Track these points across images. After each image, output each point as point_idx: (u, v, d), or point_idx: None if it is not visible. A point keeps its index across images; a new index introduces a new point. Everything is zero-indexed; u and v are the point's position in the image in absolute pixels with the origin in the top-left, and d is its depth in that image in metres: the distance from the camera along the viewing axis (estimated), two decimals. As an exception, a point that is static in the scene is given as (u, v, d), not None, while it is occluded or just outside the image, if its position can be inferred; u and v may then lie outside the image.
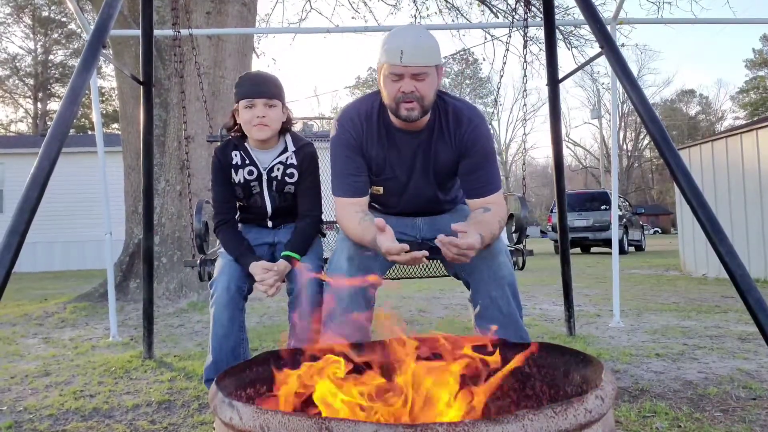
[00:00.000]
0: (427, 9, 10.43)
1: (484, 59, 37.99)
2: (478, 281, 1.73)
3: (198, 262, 2.22)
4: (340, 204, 1.81)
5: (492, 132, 2.08)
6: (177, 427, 1.99)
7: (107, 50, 5.49)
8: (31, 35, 28.94)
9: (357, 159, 1.81)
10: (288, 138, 2.08)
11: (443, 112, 1.81)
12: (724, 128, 29.11)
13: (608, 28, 2.09)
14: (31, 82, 29.89)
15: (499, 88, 3.40)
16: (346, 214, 1.77)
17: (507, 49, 2.99)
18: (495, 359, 1.18)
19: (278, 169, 2.02)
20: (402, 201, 1.94)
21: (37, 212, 1.54)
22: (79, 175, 13.69)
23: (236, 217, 2.10)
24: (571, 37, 10.07)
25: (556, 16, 3.25)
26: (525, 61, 2.84)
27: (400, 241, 1.85)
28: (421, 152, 1.83)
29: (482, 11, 10.60)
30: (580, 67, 3.31)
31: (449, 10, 10.54)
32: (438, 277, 2.45)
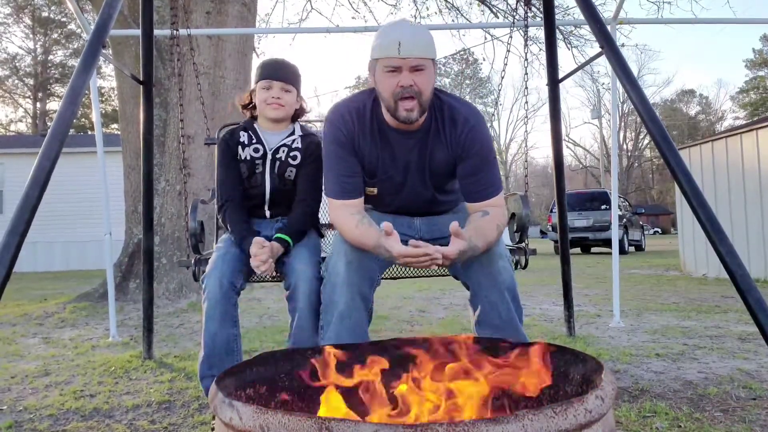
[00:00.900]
0: (427, 9, 10.44)
1: (484, 59, 38.11)
2: (477, 285, 1.70)
3: (193, 261, 2.20)
4: (335, 205, 1.74)
5: (492, 133, 2.05)
6: (177, 427, 1.99)
7: (107, 50, 5.50)
8: (31, 35, 28.94)
9: (350, 159, 1.74)
10: (297, 126, 2.16)
11: (439, 112, 1.75)
12: (724, 128, 29.12)
13: (608, 28, 2.10)
14: (31, 82, 29.89)
15: (500, 89, 3.40)
16: (342, 217, 1.70)
17: (508, 50, 2.99)
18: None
19: (283, 151, 2.07)
20: (397, 201, 1.89)
21: (37, 212, 1.54)
22: (79, 175, 13.68)
23: (241, 200, 2.08)
24: (571, 37, 10.07)
25: (556, 16, 3.25)
26: (526, 61, 2.84)
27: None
28: (416, 152, 1.77)
29: (482, 11, 10.60)
30: (580, 67, 3.31)
31: (449, 10, 10.54)
32: (438, 276, 2.45)
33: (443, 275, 2.35)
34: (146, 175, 3.06)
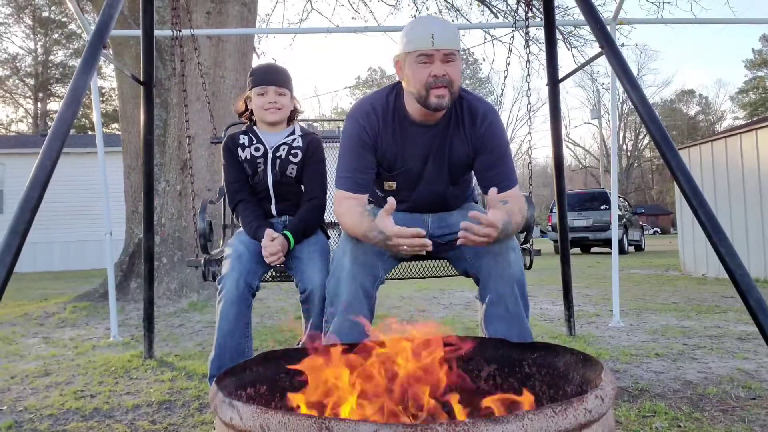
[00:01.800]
0: (427, 9, 10.41)
1: (484, 59, 38.00)
2: (487, 277, 1.72)
3: (202, 261, 2.22)
4: (342, 197, 1.80)
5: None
6: (177, 427, 1.99)
7: (108, 50, 5.50)
8: (32, 35, 28.96)
9: (368, 156, 1.81)
10: (296, 126, 2.25)
11: (458, 106, 1.81)
12: (724, 128, 29.12)
13: (608, 28, 2.10)
14: (32, 82, 29.90)
15: (503, 90, 3.40)
16: (347, 208, 1.76)
17: (510, 51, 2.99)
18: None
19: (283, 149, 2.15)
20: (413, 195, 1.94)
21: (37, 212, 1.55)
22: (80, 175, 13.69)
23: (250, 195, 2.17)
24: (571, 37, 10.07)
25: (556, 16, 3.25)
26: (528, 61, 2.84)
27: None
28: (435, 146, 1.83)
29: (482, 11, 10.60)
30: (580, 67, 3.31)
31: (449, 10, 10.54)
32: (442, 276, 2.45)
33: (447, 275, 2.36)
34: (146, 175, 3.06)
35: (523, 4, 3.08)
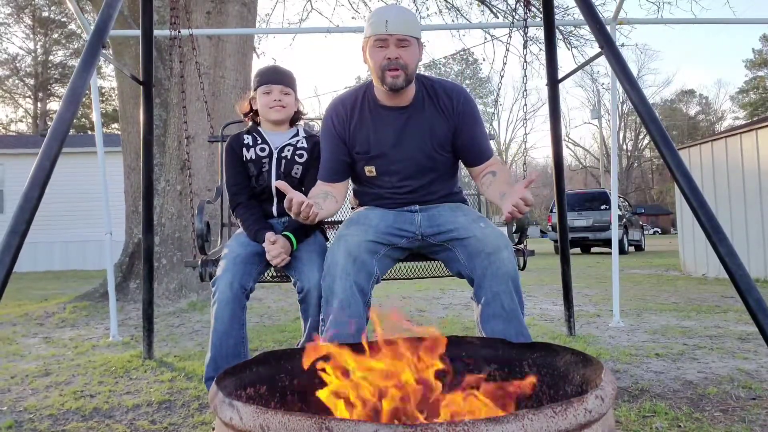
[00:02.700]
0: (427, 9, 10.44)
1: (484, 59, 37.94)
2: (481, 277, 1.74)
3: (199, 262, 2.21)
4: (314, 186, 1.98)
5: (491, 132, 2.22)
6: (177, 427, 1.99)
7: (107, 50, 5.50)
8: (31, 35, 28.96)
9: (338, 144, 1.96)
10: (300, 127, 2.28)
11: (429, 88, 1.96)
12: (724, 128, 29.12)
13: (608, 28, 2.10)
14: (31, 82, 29.90)
15: (499, 89, 3.40)
16: (311, 194, 1.91)
17: (507, 50, 2.99)
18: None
19: (288, 150, 2.18)
20: (395, 175, 1.97)
21: (37, 212, 1.54)
22: (80, 175, 13.69)
23: (251, 197, 2.18)
24: (571, 37, 10.06)
25: (556, 16, 3.25)
26: (525, 61, 2.84)
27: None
28: (411, 125, 1.93)
29: (482, 11, 10.59)
30: (580, 67, 3.31)
31: (449, 10, 10.54)
32: (438, 277, 2.45)
33: (445, 275, 2.35)
34: (146, 175, 3.06)
35: (522, 4, 3.08)
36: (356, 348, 1.27)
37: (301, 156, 2.17)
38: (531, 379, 1.14)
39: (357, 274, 1.72)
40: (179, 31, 2.91)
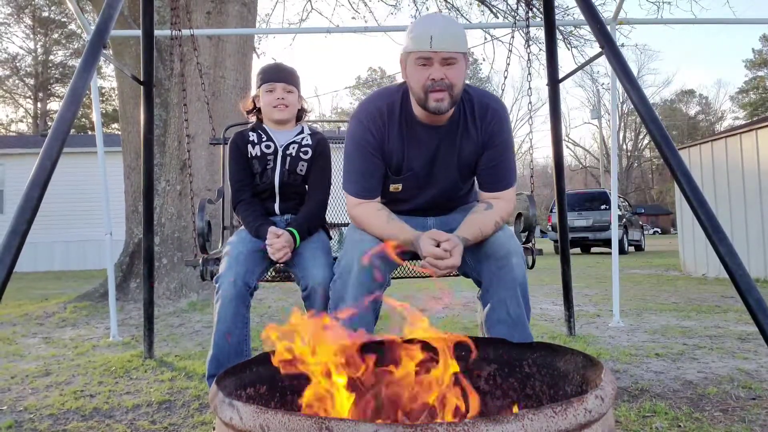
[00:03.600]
0: (427, 9, 10.42)
1: (484, 59, 38.02)
2: (488, 281, 1.71)
3: (200, 261, 2.21)
4: (356, 202, 1.80)
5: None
6: (177, 427, 1.99)
7: (108, 50, 5.49)
8: (32, 35, 28.97)
9: (375, 159, 1.78)
10: (304, 124, 2.28)
11: (468, 105, 1.79)
12: (724, 128, 29.11)
13: (608, 28, 2.10)
14: (32, 82, 29.91)
15: (503, 89, 3.40)
16: (369, 213, 1.77)
17: (510, 51, 2.99)
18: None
19: (293, 147, 2.17)
20: (418, 196, 1.91)
21: (37, 212, 1.54)
22: (80, 175, 13.69)
23: (254, 195, 2.17)
24: (571, 37, 10.06)
25: (556, 16, 3.25)
26: (528, 61, 2.84)
27: None
28: (443, 147, 1.80)
29: (482, 11, 10.60)
30: (580, 67, 3.31)
31: (449, 10, 10.54)
32: (445, 276, 2.44)
33: (450, 275, 2.35)
34: (146, 175, 3.06)
35: (523, 4, 3.08)
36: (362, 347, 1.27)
37: (306, 153, 2.18)
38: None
39: (371, 284, 1.68)
40: (180, 31, 2.91)
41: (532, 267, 2.13)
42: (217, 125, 3.62)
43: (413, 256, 2.03)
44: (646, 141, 45.53)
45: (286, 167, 2.15)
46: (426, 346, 1.28)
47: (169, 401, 2.30)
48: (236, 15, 5.81)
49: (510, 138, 1.82)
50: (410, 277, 2.47)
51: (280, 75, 2.15)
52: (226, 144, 2.79)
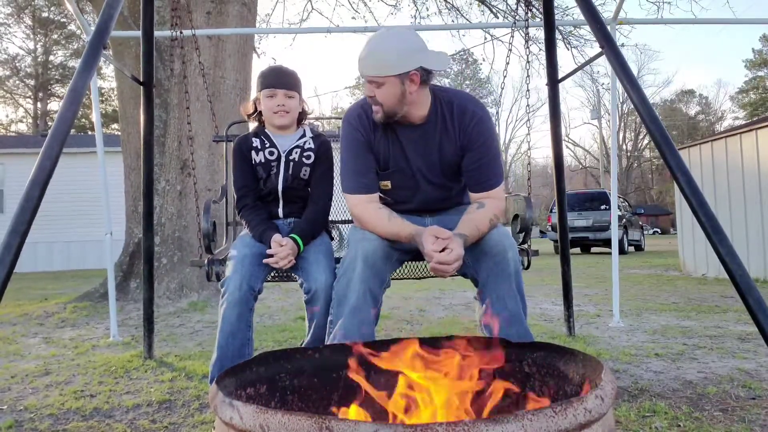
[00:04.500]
0: (427, 9, 10.45)
1: (483, 60, 37.95)
2: (485, 278, 1.75)
3: (206, 261, 2.23)
4: (358, 201, 1.87)
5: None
6: (177, 426, 1.99)
7: (108, 51, 5.49)
8: (32, 36, 28.96)
9: (368, 156, 1.89)
10: (306, 127, 2.27)
11: (447, 106, 1.88)
12: (724, 128, 29.11)
13: (608, 28, 2.10)
14: (32, 82, 29.90)
15: (503, 89, 3.40)
16: (370, 211, 1.84)
17: (509, 50, 2.99)
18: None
19: (296, 152, 2.17)
20: (412, 196, 1.98)
21: (37, 212, 1.54)
22: (80, 175, 13.69)
23: (258, 199, 2.19)
24: (570, 37, 10.06)
25: (556, 16, 3.25)
26: (527, 62, 2.84)
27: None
28: (423, 144, 1.89)
29: (482, 11, 10.60)
30: (580, 67, 3.31)
31: (449, 10, 10.54)
32: (451, 275, 2.44)
33: (454, 274, 2.35)
34: (146, 175, 3.07)
35: (522, 4, 3.08)
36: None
37: (308, 158, 2.18)
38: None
39: (372, 281, 1.73)
40: (180, 32, 2.92)
41: (527, 268, 2.14)
42: (218, 125, 3.62)
43: (416, 256, 2.05)
44: (646, 141, 45.51)
45: (290, 172, 2.16)
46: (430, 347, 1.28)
47: (170, 401, 2.30)
48: (236, 15, 5.81)
49: (491, 139, 1.88)
50: (410, 278, 2.47)
51: (281, 80, 2.13)
52: (230, 141, 2.80)
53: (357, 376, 1.16)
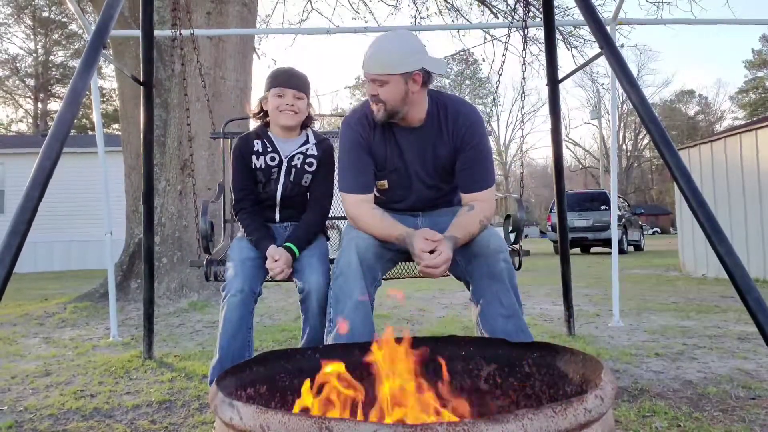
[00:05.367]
0: (427, 9, 10.44)
1: (483, 59, 37.94)
2: (479, 278, 1.77)
3: (204, 261, 2.23)
4: (354, 200, 1.91)
5: (490, 131, 2.17)
6: (177, 426, 1.99)
7: (108, 51, 5.50)
8: (32, 36, 28.96)
9: (366, 157, 1.94)
10: (310, 132, 2.23)
11: (442, 110, 1.93)
12: (724, 128, 29.09)
13: (608, 28, 2.10)
14: (32, 82, 29.90)
15: (497, 88, 3.40)
16: (364, 211, 1.88)
17: (506, 49, 2.99)
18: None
19: (298, 159, 2.15)
20: (407, 194, 2.02)
21: (37, 212, 1.55)
22: (80, 175, 13.68)
23: (256, 203, 2.17)
24: (570, 38, 10.06)
25: (556, 16, 3.25)
26: (524, 62, 2.84)
27: None
28: (418, 147, 1.94)
29: (482, 11, 10.61)
30: (580, 68, 3.31)
31: (449, 10, 10.54)
32: (440, 276, 2.44)
33: (443, 275, 2.35)
34: (147, 175, 3.07)
35: (521, 4, 3.08)
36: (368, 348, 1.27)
37: (311, 165, 2.16)
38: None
39: (367, 277, 1.76)
40: (180, 32, 2.92)
41: (519, 268, 2.14)
42: (218, 124, 3.62)
43: (410, 257, 2.05)
44: (645, 141, 45.50)
45: (291, 179, 2.14)
46: (427, 346, 1.28)
47: (169, 401, 2.30)
48: (236, 15, 5.81)
49: (483, 142, 1.93)
50: (403, 278, 2.47)
51: (291, 81, 2.11)
52: (226, 138, 2.80)
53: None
